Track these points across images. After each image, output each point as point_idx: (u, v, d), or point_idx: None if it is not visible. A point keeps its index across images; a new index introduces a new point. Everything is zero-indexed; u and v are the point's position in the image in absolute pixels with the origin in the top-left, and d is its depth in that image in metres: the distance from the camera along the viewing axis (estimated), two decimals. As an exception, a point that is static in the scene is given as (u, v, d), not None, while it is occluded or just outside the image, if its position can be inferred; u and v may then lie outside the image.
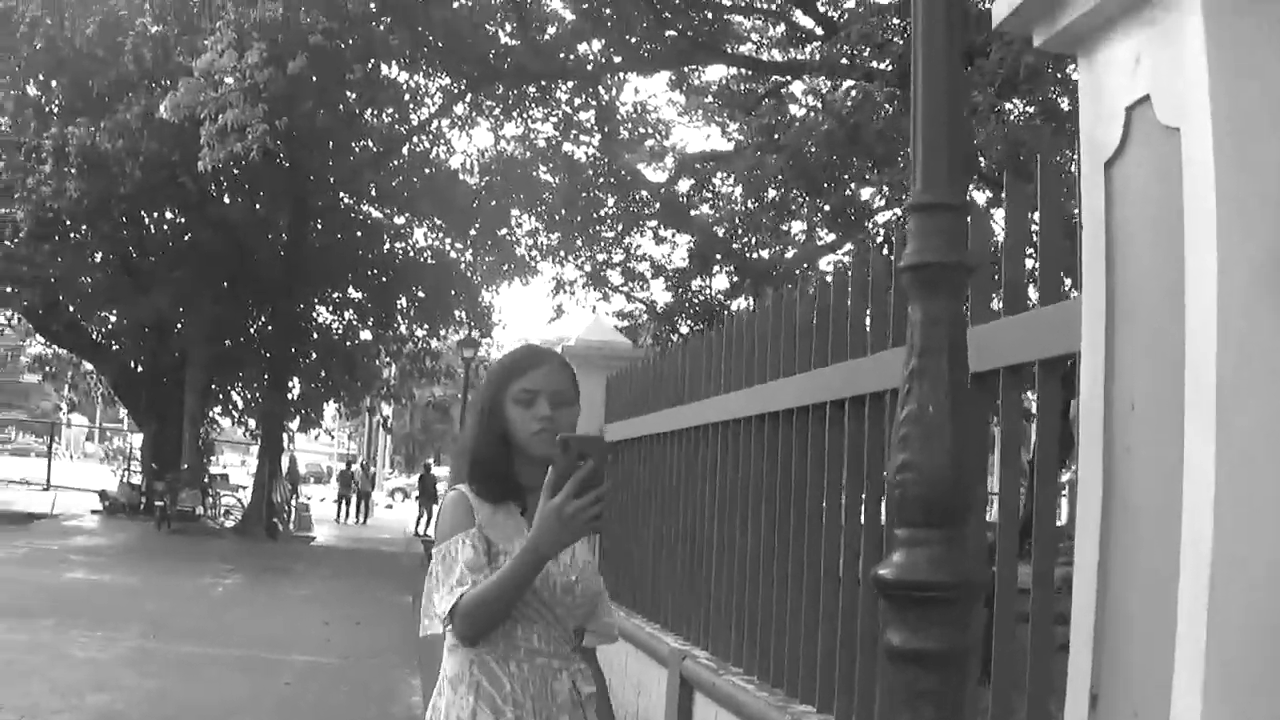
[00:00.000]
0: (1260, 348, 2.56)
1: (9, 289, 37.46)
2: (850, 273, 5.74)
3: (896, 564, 3.16)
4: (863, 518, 5.51)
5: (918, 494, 3.10)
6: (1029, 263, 4.42)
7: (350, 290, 42.56)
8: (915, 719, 3.03)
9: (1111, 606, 2.99)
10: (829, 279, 6.02)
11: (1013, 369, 4.20)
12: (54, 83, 34.47)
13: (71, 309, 40.29)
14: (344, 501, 52.54)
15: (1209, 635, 2.52)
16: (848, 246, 27.63)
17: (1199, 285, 2.64)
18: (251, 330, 41.89)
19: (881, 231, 25.24)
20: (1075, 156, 3.39)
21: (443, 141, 39.48)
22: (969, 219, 3.64)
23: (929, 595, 3.09)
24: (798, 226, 32.43)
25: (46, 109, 34.54)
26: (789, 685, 6.07)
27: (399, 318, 42.48)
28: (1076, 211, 3.36)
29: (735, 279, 31.98)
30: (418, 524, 46.93)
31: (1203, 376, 2.60)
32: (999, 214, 4.75)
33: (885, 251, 5.64)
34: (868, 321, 5.49)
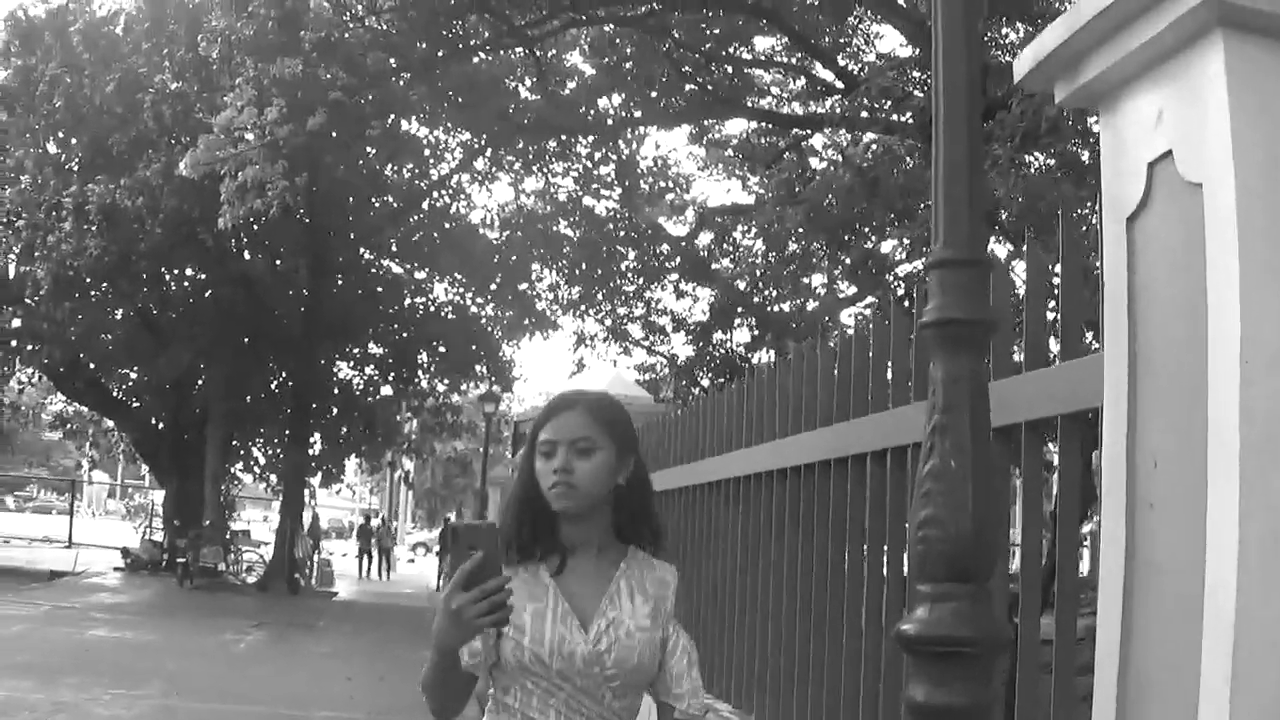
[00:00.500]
0: (1283, 403, 2.55)
1: (30, 346, 37.61)
2: (871, 327, 5.74)
3: (920, 619, 3.15)
4: (885, 572, 5.48)
5: (941, 550, 3.09)
6: (1050, 315, 4.42)
7: (371, 345, 42.54)
8: (940, 775, 3.01)
9: (1135, 661, 2.97)
10: (850, 334, 6.00)
11: (1034, 423, 4.18)
12: (74, 140, 34.61)
13: (92, 366, 40.50)
14: (364, 556, 52.41)
15: (1233, 692, 2.51)
16: (869, 299, 27.59)
17: (1223, 341, 2.63)
18: (272, 386, 41.88)
19: (902, 285, 25.21)
20: (1096, 210, 3.38)
21: (463, 196, 39.66)
22: (990, 274, 3.63)
23: (953, 650, 3.08)
24: (818, 279, 32.34)
25: (67, 167, 34.68)
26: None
27: (419, 372, 42.37)
28: (1098, 266, 3.35)
29: (756, 332, 31.89)
30: (439, 579, 46.76)
31: (1226, 434, 2.60)
32: (1019, 266, 4.73)
33: (906, 305, 5.62)
34: (889, 376, 5.49)
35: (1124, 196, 3.14)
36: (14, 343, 38.82)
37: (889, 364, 5.48)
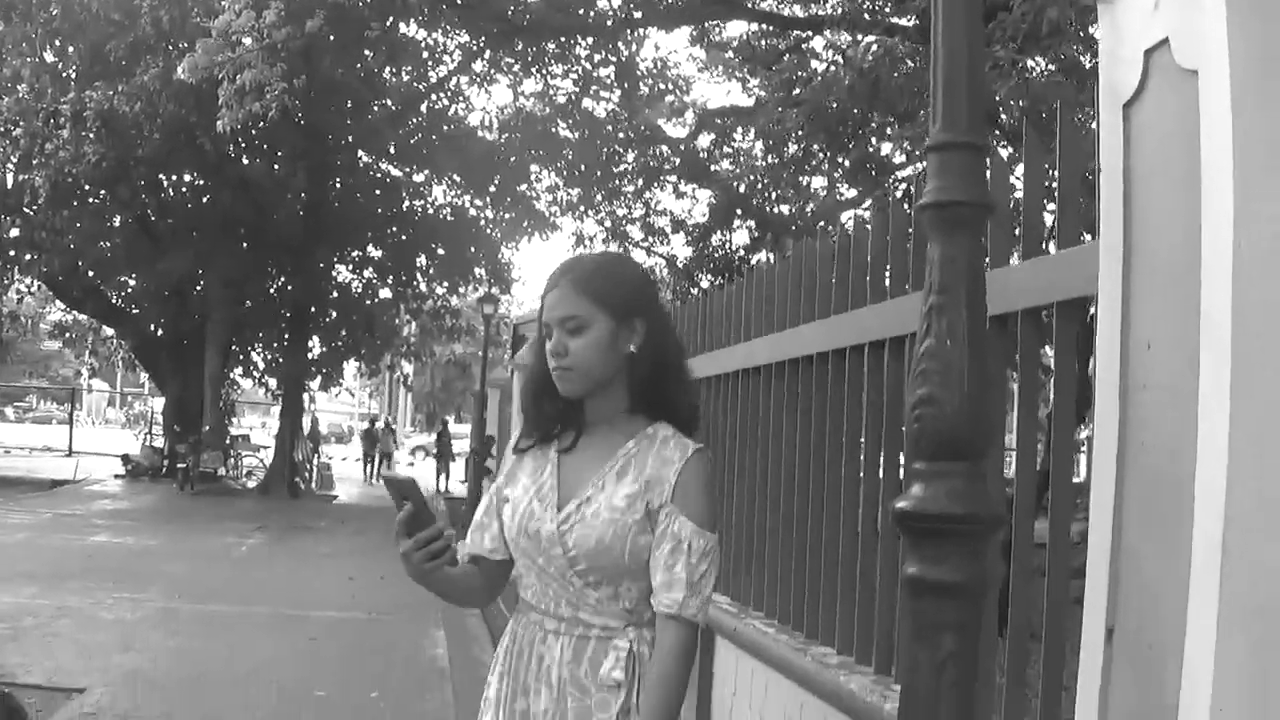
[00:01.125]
0: (1275, 287, 2.57)
1: (29, 255, 37.51)
2: (870, 222, 5.75)
3: (915, 497, 3.16)
4: (881, 460, 5.51)
5: (936, 428, 3.10)
6: (1048, 218, 4.43)
7: (370, 248, 42.45)
8: (934, 651, 3.03)
9: (1127, 541, 3.01)
10: (849, 230, 6.01)
11: (1030, 311, 4.19)
12: (71, 48, 34.37)
13: (91, 274, 40.33)
14: (369, 460, 52.56)
15: (1223, 567, 2.55)
16: (868, 202, 27.56)
17: (1216, 225, 2.65)
18: (271, 290, 41.75)
19: (901, 187, 25.16)
20: (1095, 112, 3.39)
21: (462, 99, 39.63)
22: (988, 160, 3.64)
23: (947, 527, 3.10)
24: (818, 182, 32.35)
25: (64, 74, 34.49)
26: (809, 628, 6.09)
27: (418, 275, 42.26)
28: (1095, 164, 3.37)
29: (756, 234, 31.93)
30: (437, 481, 47.01)
31: (1219, 317, 2.62)
32: (1019, 169, 4.73)
33: (906, 208, 5.62)
34: (887, 269, 5.50)
35: (1121, 83, 3.15)
36: (12, 252, 38.65)
37: (887, 255, 5.49)
